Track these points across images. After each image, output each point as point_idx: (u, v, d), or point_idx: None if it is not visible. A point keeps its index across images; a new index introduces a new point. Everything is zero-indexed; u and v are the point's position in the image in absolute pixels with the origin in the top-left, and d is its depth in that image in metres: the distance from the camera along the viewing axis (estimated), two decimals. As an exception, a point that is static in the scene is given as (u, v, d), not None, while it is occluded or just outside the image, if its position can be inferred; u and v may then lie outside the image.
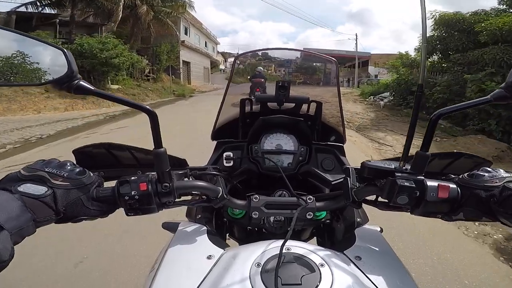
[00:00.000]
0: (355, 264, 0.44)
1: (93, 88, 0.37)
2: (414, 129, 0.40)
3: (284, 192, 0.64)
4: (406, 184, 0.42)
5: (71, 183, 0.37)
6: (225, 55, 59.54)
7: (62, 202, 0.35)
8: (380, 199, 0.48)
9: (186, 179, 0.49)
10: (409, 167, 0.43)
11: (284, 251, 0.40)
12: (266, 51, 0.99)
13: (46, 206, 0.34)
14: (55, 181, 0.36)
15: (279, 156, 0.74)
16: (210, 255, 0.45)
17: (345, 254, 0.46)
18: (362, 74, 40.89)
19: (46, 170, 0.36)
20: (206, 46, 26.03)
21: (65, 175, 0.37)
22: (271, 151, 0.74)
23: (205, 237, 0.51)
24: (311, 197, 0.53)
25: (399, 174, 0.44)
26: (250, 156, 0.71)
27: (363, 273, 0.42)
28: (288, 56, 1.13)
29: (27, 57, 0.42)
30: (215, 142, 0.74)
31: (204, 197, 0.49)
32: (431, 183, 0.43)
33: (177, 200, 0.44)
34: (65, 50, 0.38)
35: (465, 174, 0.44)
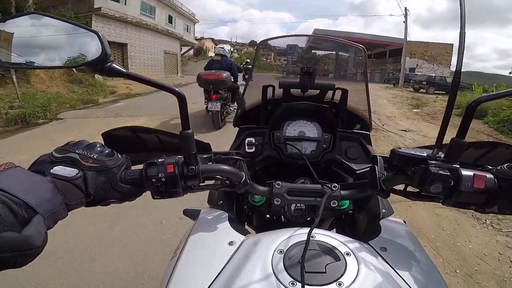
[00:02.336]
0: (380, 255, 0.46)
1: (124, 71, 0.41)
2: (450, 116, 0.41)
3: (307, 180, 0.69)
4: (440, 172, 0.42)
5: (101, 165, 0.40)
6: (215, 42, 54.22)
7: (92, 185, 0.39)
8: (409, 188, 0.49)
9: (209, 163, 0.52)
10: (443, 156, 0.44)
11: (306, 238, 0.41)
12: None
13: (77, 189, 0.38)
14: (86, 162, 0.39)
15: (301, 143, 0.78)
16: (231, 241, 0.48)
17: (370, 245, 0.49)
18: (390, 66, 28.95)
19: (76, 151, 0.40)
20: (170, 22, 15.92)
21: (95, 156, 0.40)
22: (293, 137, 0.78)
23: (226, 223, 0.54)
24: (336, 185, 0.55)
25: (433, 162, 0.43)
26: (272, 142, 0.76)
27: (388, 264, 0.44)
28: (291, 42, 1.05)
29: (62, 40, 0.45)
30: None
31: (227, 182, 0.53)
32: (466, 172, 0.43)
33: (201, 184, 0.48)
34: (99, 33, 0.41)
35: (504, 165, 0.44)
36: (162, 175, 0.43)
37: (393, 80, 22.11)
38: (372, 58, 37.18)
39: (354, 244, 0.44)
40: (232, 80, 4.56)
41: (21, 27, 0.43)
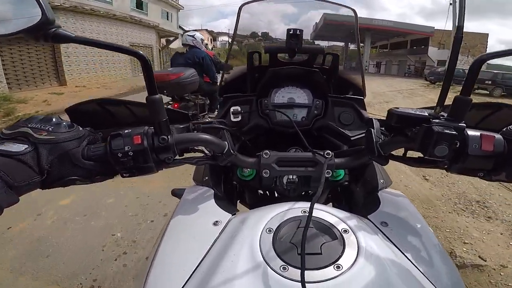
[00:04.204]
0: (381, 231, 0.45)
1: (73, 35, 0.38)
2: (453, 73, 0.41)
3: (298, 150, 0.69)
4: (445, 131, 0.40)
5: (57, 136, 0.38)
6: (213, 33, 52.30)
7: (46, 159, 0.36)
8: (410, 153, 0.50)
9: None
10: (446, 115, 0.43)
11: (300, 214, 0.41)
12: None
13: (26, 166, 0.34)
14: (39, 135, 0.37)
15: (291, 111, 0.76)
16: (217, 221, 0.47)
17: (369, 219, 0.48)
18: (411, 57, 24.66)
19: (29, 125, 0.38)
20: (141, 8, 17.00)
21: (50, 129, 0.38)
22: (282, 104, 0.77)
23: (212, 201, 0.53)
24: (330, 152, 0.54)
25: (436, 121, 0.41)
26: (260, 110, 0.76)
27: (390, 241, 0.43)
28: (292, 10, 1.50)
29: None
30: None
31: (209, 154, 0.53)
32: (472, 132, 0.42)
33: (177, 157, 0.46)
34: None
35: (511, 127, 0.44)
36: (128, 148, 0.40)
37: (431, 76, 17.16)
38: (388, 49, 32.44)
39: (352, 220, 0.42)
40: (210, 80, 3.46)
41: None
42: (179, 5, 22.24)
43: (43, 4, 0.36)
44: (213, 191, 0.55)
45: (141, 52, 0.39)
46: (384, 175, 0.61)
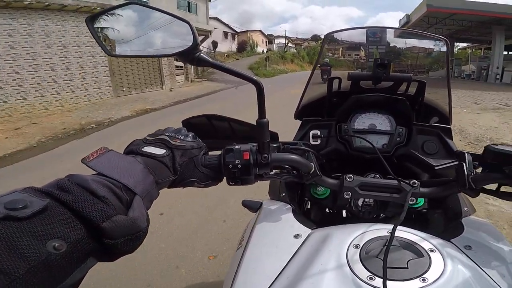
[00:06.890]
0: (465, 254, 0.49)
1: (211, 61, 0.50)
2: None
3: (377, 176, 0.74)
4: None
5: (186, 144, 0.51)
6: (268, 36, 53.19)
7: (179, 162, 0.49)
8: (503, 188, 0.54)
9: (278, 153, 0.62)
10: None
11: (385, 234, 0.47)
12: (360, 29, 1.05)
13: (165, 167, 0.46)
14: (174, 142, 0.50)
15: (371, 136, 0.82)
16: (297, 234, 0.55)
17: (452, 243, 0.53)
18: None
19: (166, 134, 0.52)
20: None
21: (181, 137, 0.52)
22: (362, 130, 0.84)
23: (290, 215, 0.62)
24: (416, 181, 0.61)
25: None
26: (339, 135, 0.85)
27: (475, 263, 0.47)
28: (373, 34, 1.05)
29: (157, 30, 0.56)
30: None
31: (294, 172, 0.62)
32: None
33: (271, 173, 0.57)
34: (190, 22, 0.50)
35: None
36: (238, 161, 0.50)
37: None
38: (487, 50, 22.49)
39: (437, 241, 0.48)
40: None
41: (122, 18, 0.51)
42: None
43: (194, 31, 0.46)
44: (291, 207, 0.64)
45: (256, 79, 0.48)
46: (468, 203, 0.66)
